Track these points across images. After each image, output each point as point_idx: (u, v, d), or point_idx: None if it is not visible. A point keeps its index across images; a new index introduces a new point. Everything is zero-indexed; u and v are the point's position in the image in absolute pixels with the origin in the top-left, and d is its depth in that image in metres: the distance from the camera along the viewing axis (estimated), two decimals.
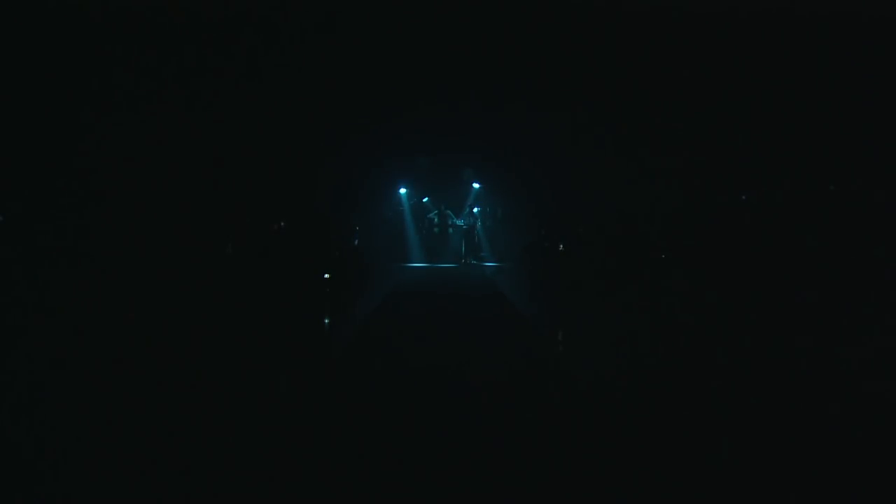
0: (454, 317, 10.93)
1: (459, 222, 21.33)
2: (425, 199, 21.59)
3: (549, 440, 4.78)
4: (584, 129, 15.44)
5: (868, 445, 4.72)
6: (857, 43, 12.69)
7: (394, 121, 16.13)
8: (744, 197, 15.37)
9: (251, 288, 12.12)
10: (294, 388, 6.18)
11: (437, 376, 6.54)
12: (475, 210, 21.56)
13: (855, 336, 8.38)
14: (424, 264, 20.73)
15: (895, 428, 5.09)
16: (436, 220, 21.30)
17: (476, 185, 21.59)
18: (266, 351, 7.61)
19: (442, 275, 18.34)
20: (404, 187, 21.41)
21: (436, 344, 8.30)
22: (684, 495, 4.02)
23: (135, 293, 10.67)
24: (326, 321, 10.46)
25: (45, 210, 12.17)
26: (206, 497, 3.96)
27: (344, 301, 12.33)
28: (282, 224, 15.98)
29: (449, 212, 21.39)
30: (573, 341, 8.92)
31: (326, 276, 14.17)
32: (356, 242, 18.55)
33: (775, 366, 7.02)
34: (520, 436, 4.86)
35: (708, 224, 14.85)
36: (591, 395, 6.05)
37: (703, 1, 12.85)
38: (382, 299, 12.43)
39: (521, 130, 16.23)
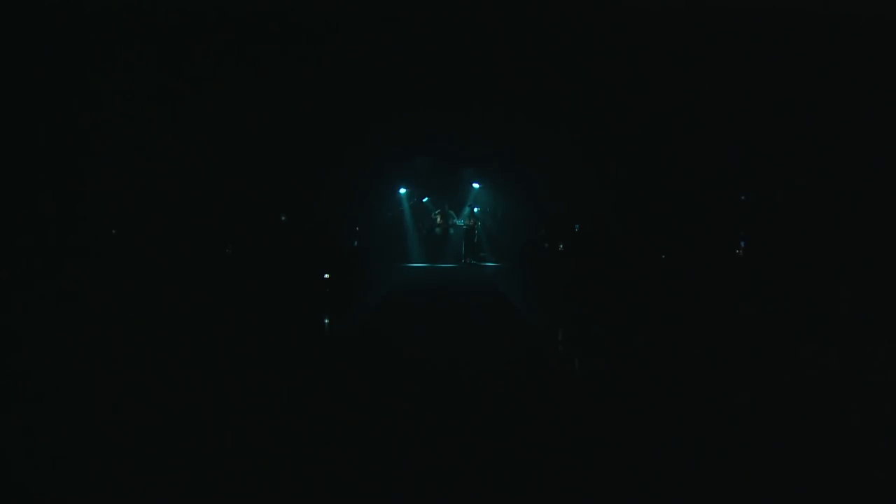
0: (454, 316, 10.95)
1: (459, 222, 21.33)
2: (425, 200, 21.61)
3: (544, 436, 4.79)
4: (583, 128, 15.44)
5: (866, 447, 4.73)
6: (855, 41, 12.70)
7: (394, 122, 16.13)
8: (743, 197, 15.36)
9: (250, 287, 12.13)
10: (295, 387, 6.19)
11: (437, 373, 6.55)
12: (475, 210, 21.57)
13: (854, 337, 8.38)
14: (425, 264, 20.74)
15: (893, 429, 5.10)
16: (437, 220, 21.31)
17: (476, 185, 21.60)
18: (266, 350, 7.62)
19: (442, 275, 18.35)
20: (404, 187, 21.43)
21: (435, 342, 8.31)
22: (681, 495, 4.03)
23: (136, 292, 10.68)
24: (326, 321, 10.47)
25: (44, 209, 12.18)
26: (209, 496, 3.96)
27: (344, 300, 12.35)
28: (282, 219, 15.97)
29: (451, 212, 21.40)
30: (571, 339, 8.93)
31: (326, 276, 14.18)
32: (356, 243, 18.55)
33: (773, 366, 7.03)
34: (515, 433, 4.87)
35: (707, 224, 14.85)
36: (588, 392, 6.06)
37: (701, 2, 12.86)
38: (382, 299, 12.48)
39: (520, 130, 16.23)
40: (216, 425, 5.04)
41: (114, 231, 13.67)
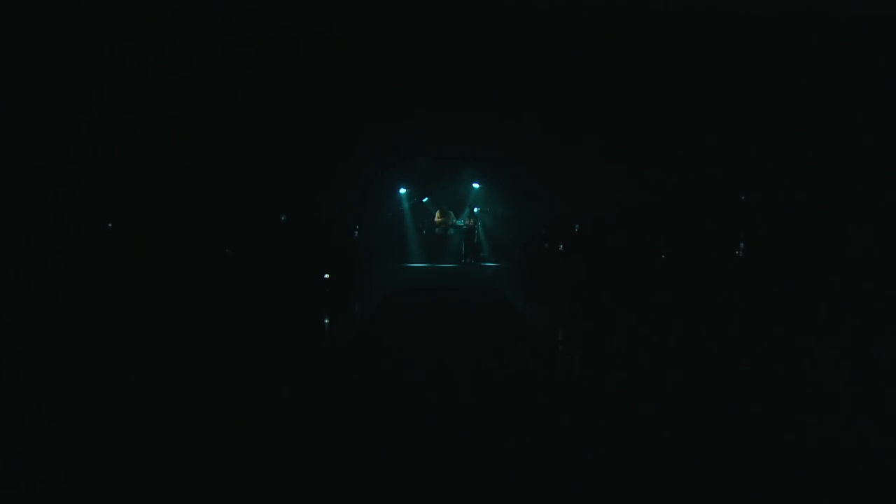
0: (455, 315, 10.97)
1: (459, 222, 21.33)
2: (425, 200, 21.61)
3: (545, 437, 4.79)
4: (582, 127, 15.45)
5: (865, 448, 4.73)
6: (856, 41, 12.70)
7: (394, 122, 16.13)
8: (743, 197, 15.36)
9: (249, 287, 12.14)
10: (295, 387, 6.19)
11: (437, 372, 6.56)
12: (475, 210, 21.56)
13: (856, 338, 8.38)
14: (425, 264, 20.73)
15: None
16: (437, 220, 21.31)
17: (476, 185, 21.60)
18: (265, 350, 7.62)
19: (442, 275, 18.35)
20: (404, 187, 21.43)
21: (436, 341, 8.32)
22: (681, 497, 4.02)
23: (134, 292, 10.68)
24: (326, 321, 10.47)
25: (43, 209, 12.18)
26: (207, 497, 3.96)
27: (344, 300, 12.36)
28: (281, 219, 15.97)
29: (451, 212, 21.40)
30: (571, 339, 8.94)
31: (326, 276, 14.18)
32: (355, 242, 18.55)
33: (773, 367, 7.03)
34: (515, 432, 4.87)
35: (707, 224, 14.86)
36: (588, 392, 6.06)
37: (701, 1, 12.87)
38: (384, 298, 12.49)
39: (521, 130, 16.23)
40: (214, 426, 5.03)
41: (110, 224, 13.66)
